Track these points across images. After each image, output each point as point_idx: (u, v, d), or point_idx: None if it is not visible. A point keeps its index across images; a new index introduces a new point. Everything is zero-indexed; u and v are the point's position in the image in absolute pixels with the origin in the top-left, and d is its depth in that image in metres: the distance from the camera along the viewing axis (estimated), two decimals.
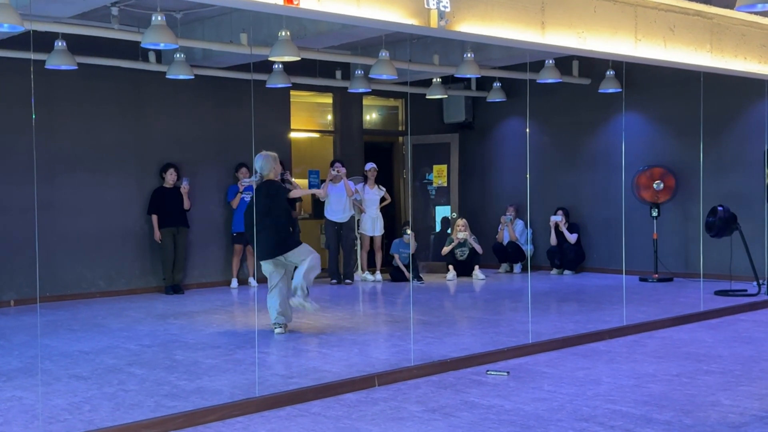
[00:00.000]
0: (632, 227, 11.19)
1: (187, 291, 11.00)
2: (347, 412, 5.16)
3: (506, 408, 5.17)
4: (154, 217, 10.81)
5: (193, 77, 9.95)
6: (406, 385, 5.83)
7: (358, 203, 12.03)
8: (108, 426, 4.78)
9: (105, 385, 5.82)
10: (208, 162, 11.53)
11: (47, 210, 10.05)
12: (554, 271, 12.70)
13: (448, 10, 6.34)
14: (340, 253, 12.01)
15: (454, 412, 5.11)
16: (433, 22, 6.31)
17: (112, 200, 10.75)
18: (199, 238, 11.38)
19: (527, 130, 12.52)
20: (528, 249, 12.90)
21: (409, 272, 11.45)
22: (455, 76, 10.83)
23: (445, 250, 12.47)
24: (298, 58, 8.37)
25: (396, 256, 12.13)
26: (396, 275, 12.09)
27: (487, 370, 6.19)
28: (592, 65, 11.79)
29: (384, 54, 9.24)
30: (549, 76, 10.48)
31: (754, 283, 9.99)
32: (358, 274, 12.16)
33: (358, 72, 10.87)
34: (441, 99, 13.46)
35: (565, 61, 11.41)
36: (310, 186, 12.38)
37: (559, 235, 12.55)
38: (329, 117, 13.40)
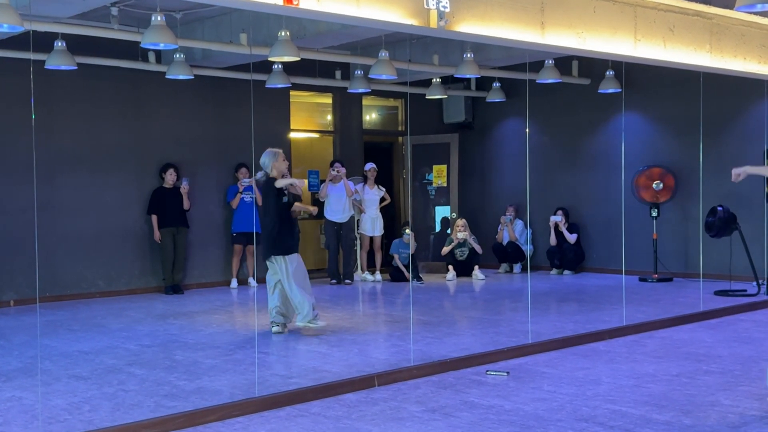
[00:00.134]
0: (632, 227, 11.18)
1: (186, 291, 11.00)
2: (347, 412, 5.16)
3: (506, 408, 5.17)
4: (154, 218, 10.81)
5: (192, 77, 9.96)
6: (405, 385, 5.83)
7: (357, 203, 12.04)
8: (108, 426, 4.78)
9: (105, 385, 5.82)
10: (207, 162, 11.53)
11: (47, 210, 10.06)
12: (554, 271, 12.70)
13: (447, 10, 6.34)
14: (339, 254, 12.00)
15: (453, 412, 5.11)
16: (433, 23, 6.32)
17: (112, 200, 10.75)
18: (199, 238, 11.38)
19: (527, 130, 12.52)
20: (528, 249, 12.91)
21: (408, 272, 11.45)
22: (455, 76, 10.83)
23: (445, 250, 12.47)
24: (298, 59, 8.37)
25: (396, 256, 12.13)
26: (396, 275, 12.09)
27: (487, 371, 6.20)
28: (592, 65, 11.80)
29: (384, 54, 9.24)
30: (549, 77, 10.48)
31: (754, 283, 9.99)
32: (358, 275, 12.16)
33: (358, 72, 10.87)
34: (441, 99, 13.46)
35: (564, 61, 11.41)
36: (310, 187, 12.38)
37: (559, 235, 12.55)
38: (329, 117, 13.40)
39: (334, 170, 11.63)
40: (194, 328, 8.15)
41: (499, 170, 13.84)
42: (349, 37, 9.35)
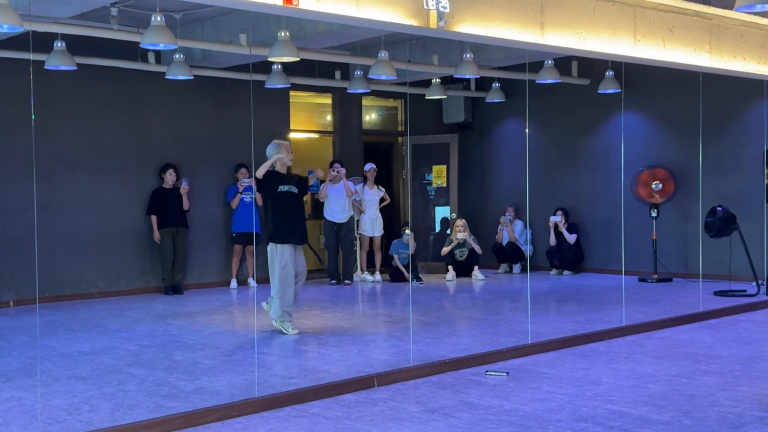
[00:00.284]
0: (631, 228, 11.18)
1: (186, 291, 11.00)
2: (346, 412, 5.16)
3: (505, 408, 5.17)
4: (154, 218, 10.81)
5: (192, 78, 9.95)
6: (405, 385, 5.83)
7: (357, 204, 12.04)
8: (107, 426, 4.78)
9: (104, 385, 5.82)
10: (207, 162, 11.53)
11: (46, 210, 10.06)
12: (553, 271, 12.70)
13: (447, 10, 6.34)
14: (339, 254, 12.00)
15: (453, 412, 5.11)
16: (433, 23, 6.32)
17: (112, 201, 10.75)
18: (199, 238, 11.38)
19: (527, 130, 12.53)
20: (527, 249, 12.91)
21: (408, 273, 11.45)
22: (454, 76, 10.82)
23: (445, 250, 12.47)
24: (298, 59, 8.37)
25: (395, 256, 12.13)
26: (395, 276, 12.09)
27: (487, 371, 6.20)
28: (592, 66, 11.80)
29: (383, 54, 9.24)
30: (548, 77, 10.48)
31: (753, 283, 9.99)
32: (358, 275, 12.16)
33: (358, 72, 10.87)
34: (440, 99, 13.46)
35: (564, 61, 11.41)
36: (310, 187, 12.35)
37: (559, 235, 12.55)
38: (328, 117, 13.40)
39: (333, 171, 11.63)
40: (194, 329, 8.15)
41: (498, 170, 13.84)
42: (349, 38, 9.35)
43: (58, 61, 8.75)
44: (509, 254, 12.97)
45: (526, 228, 12.99)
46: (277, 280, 7.65)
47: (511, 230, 12.95)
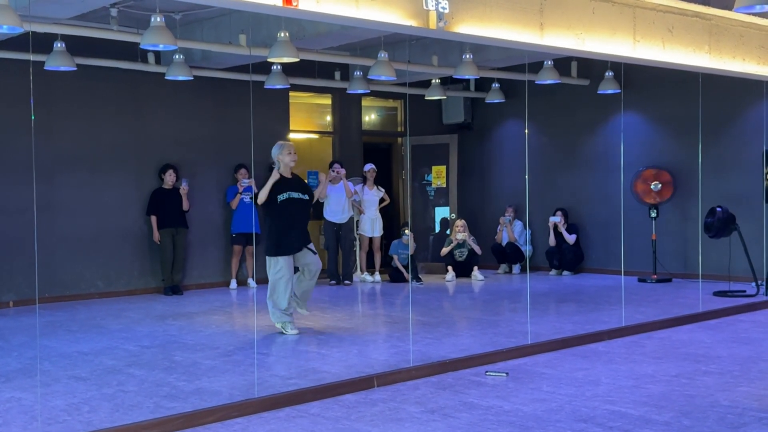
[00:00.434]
0: (631, 228, 11.18)
1: (186, 292, 11.00)
2: (346, 413, 5.16)
3: (505, 409, 5.18)
4: (153, 218, 10.81)
5: (192, 78, 9.95)
6: (405, 386, 5.84)
7: (357, 204, 12.04)
8: (107, 427, 4.78)
9: (104, 386, 5.82)
10: (207, 163, 11.53)
11: (46, 211, 10.06)
12: (553, 271, 12.71)
13: (446, 11, 6.35)
14: (339, 254, 12.01)
15: (453, 413, 5.12)
16: (432, 24, 6.32)
17: (111, 201, 10.75)
18: (198, 239, 11.38)
19: (526, 131, 12.54)
20: (527, 250, 12.91)
21: (408, 273, 11.45)
22: (454, 77, 10.84)
23: (444, 251, 12.47)
24: (297, 59, 8.37)
25: (395, 257, 12.13)
26: (395, 276, 12.10)
27: (486, 371, 6.20)
28: (591, 66, 11.81)
29: (383, 55, 9.24)
30: (548, 77, 10.48)
31: (753, 283, 10.00)
32: (357, 275, 12.17)
33: (357, 73, 10.87)
34: (440, 100, 13.46)
35: (563, 62, 11.41)
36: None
37: (558, 235, 12.55)
38: (328, 118, 13.40)
39: (333, 171, 11.63)
40: (193, 329, 8.15)
41: (498, 171, 13.85)
42: (349, 38, 9.35)
43: (58, 62, 8.75)
44: (509, 255, 12.97)
45: (525, 228, 13.00)
46: (270, 286, 7.73)
47: (511, 231, 12.95)
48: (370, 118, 14.22)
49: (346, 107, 13.11)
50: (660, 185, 11.61)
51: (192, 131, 11.41)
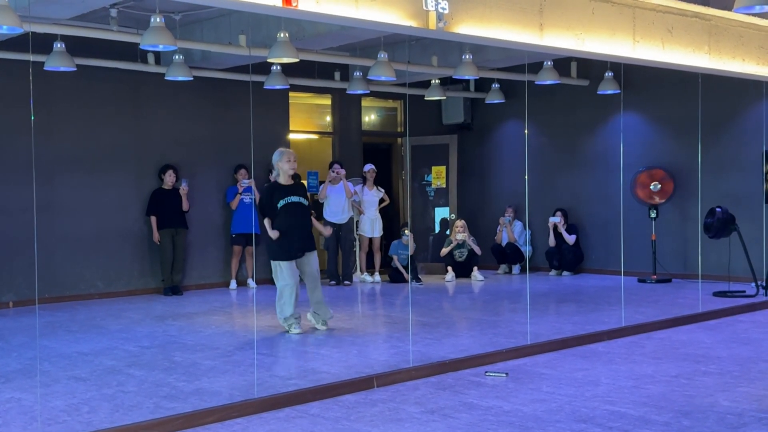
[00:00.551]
0: (631, 228, 11.18)
1: (185, 292, 11.00)
2: (346, 413, 5.17)
3: (505, 409, 5.18)
4: (153, 219, 10.81)
5: (191, 79, 9.95)
6: (404, 386, 5.84)
7: (357, 204, 12.04)
8: (107, 427, 4.78)
9: (104, 386, 5.83)
10: (207, 163, 11.53)
11: (46, 211, 10.06)
12: (553, 272, 12.71)
13: (446, 11, 6.35)
14: (339, 255, 12.01)
15: (452, 413, 5.12)
16: (432, 24, 6.32)
17: (111, 201, 10.75)
18: (198, 239, 11.38)
19: (526, 131, 12.53)
20: (527, 250, 12.91)
21: (407, 273, 11.46)
22: (454, 77, 10.83)
23: (444, 251, 12.48)
24: (297, 60, 8.37)
25: (395, 257, 12.13)
26: (395, 276, 12.10)
27: (486, 372, 6.20)
28: (591, 66, 11.81)
29: (382, 55, 9.24)
30: (547, 78, 10.48)
31: (753, 284, 10.00)
32: (357, 276, 12.17)
33: (357, 73, 10.88)
34: (440, 100, 13.46)
35: (563, 62, 11.41)
36: (309, 188, 12.39)
37: (558, 236, 12.55)
38: (328, 118, 13.40)
39: (333, 172, 11.63)
40: (193, 330, 8.15)
41: (498, 171, 13.85)
42: (348, 39, 9.35)
43: (58, 62, 8.75)
44: (508, 255, 12.97)
45: (525, 229, 13.00)
46: (277, 292, 7.81)
47: (511, 231, 12.96)
48: (369, 118, 14.23)
49: (345, 108, 13.11)
50: (660, 185, 11.62)
51: (192, 132, 11.41)
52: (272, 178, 7.96)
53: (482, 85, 13.29)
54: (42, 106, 9.98)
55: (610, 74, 11.23)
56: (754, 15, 8.62)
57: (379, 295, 11.05)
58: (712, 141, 10.86)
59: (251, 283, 11.47)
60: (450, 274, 12.26)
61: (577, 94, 12.62)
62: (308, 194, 8.18)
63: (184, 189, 10.85)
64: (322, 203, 11.84)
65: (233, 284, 11.42)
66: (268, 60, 8.55)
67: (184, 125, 11.35)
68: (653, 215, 11.66)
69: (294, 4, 5.57)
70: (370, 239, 12.20)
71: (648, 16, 7.95)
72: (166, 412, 5.09)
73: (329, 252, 11.97)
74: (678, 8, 8.19)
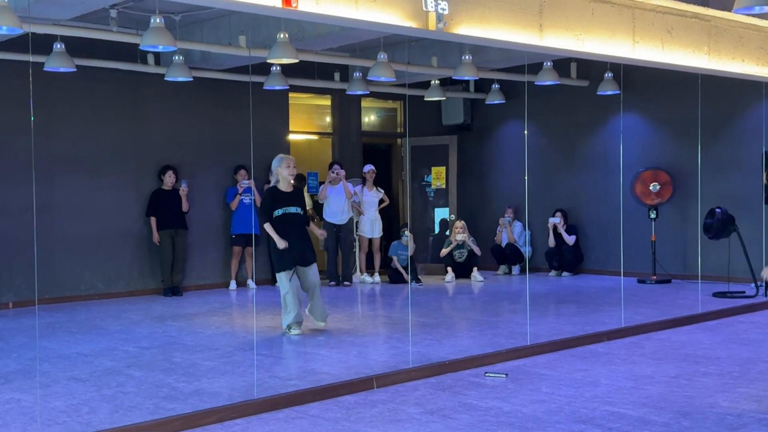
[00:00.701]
0: (630, 229, 11.17)
1: (185, 293, 11.00)
2: (346, 414, 5.17)
3: (504, 410, 5.18)
4: (153, 219, 10.81)
5: (191, 79, 9.95)
6: (404, 387, 5.84)
7: (356, 205, 12.04)
8: (106, 428, 4.78)
9: (103, 387, 5.83)
10: (206, 164, 11.53)
11: (46, 212, 10.06)
12: (552, 272, 12.71)
13: (446, 12, 6.35)
14: (338, 255, 12.01)
15: (452, 414, 5.12)
16: (432, 25, 6.33)
17: (111, 202, 10.75)
18: (198, 240, 11.38)
19: (525, 131, 12.53)
20: (526, 251, 12.91)
21: (407, 274, 11.46)
22: (453, 78, 10.84)
23: (444, 251, 12.48)
24: (297, 60, 8.37)
25: (395, 258, 12.13)
26: (394, 277, 12.10)
27: (486, 372, 6.20)
28: (591, 67, 11.82)
29: (382, 56, 9.25)
30: (547, 78, 10.49)
31: (752, 284, 10.00)
32: (357, 276, 12.17)
33: (357, 74, 10.88)
34: (439, 101, 13.47)
35: (563, 63, 11.41)
36: (309, 189, 12.40)
37: (558, 236, 12.55)
38: (328, 119, 13.41)
39: (333, 172, 11.64)
40: (193, 330, 8.15)
41: (497, 172, 13.85)
42: (348, 39, 9.36)
43: (58, 63, 8.75)
44: (508, 255, 12.97)
45: (525, 229, 13.00)
46: (282, 302, 7.84)
47: (510, 231, 12.96)
48: (369, 119, 14.23)
49: (345, 108, 13.11)
50: (659, 186, 11.62)
51: (191, 132, 11.42)
52: (271, 182, 7.94)
53: (482, 85, 13.30)
54: (42, 107, 9.98)
55: (609, 75, 11.24)
56: (754, 16, 8.62)
57: (379, 295, 11.05)
58: (712, 142, 10.87)
59: (251, 283, 11.47)
60: (450, 274, 12.26)
61: (576, 95, 12.62)
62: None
63: (183, 190, 10.84)
64: (322, 204, 11.84)
65: (233, 285, 11.42)
66: (268, 60, 8.55)
67: (183, 126, 11.35)
68: (653, 216, 11.67)
69: (294, 5, 5.57)
70: (370, 240, 12.20)
71: (647, 16, 7.95)
72: (166, 413, 5.09)
73: (329, 253, 11.97)
74: (677, 9, 8.19)
